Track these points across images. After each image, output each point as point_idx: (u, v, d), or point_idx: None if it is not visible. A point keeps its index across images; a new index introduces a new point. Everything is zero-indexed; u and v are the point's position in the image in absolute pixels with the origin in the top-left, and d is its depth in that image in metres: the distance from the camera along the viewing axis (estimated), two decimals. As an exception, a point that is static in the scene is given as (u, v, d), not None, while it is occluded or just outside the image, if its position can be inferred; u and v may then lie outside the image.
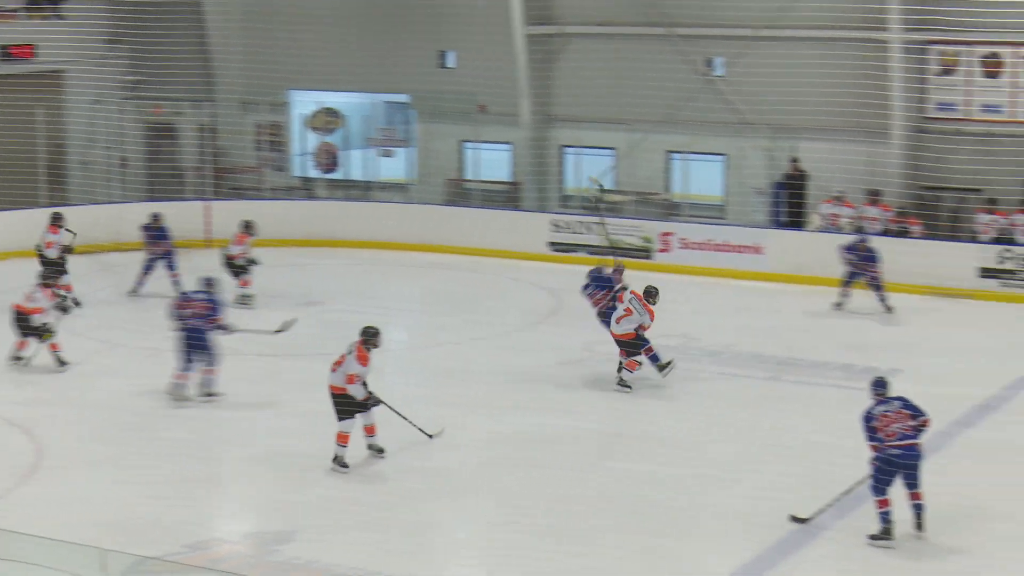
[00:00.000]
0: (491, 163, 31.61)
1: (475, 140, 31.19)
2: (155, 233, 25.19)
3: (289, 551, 13.96)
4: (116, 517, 14.73)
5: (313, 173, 33.36)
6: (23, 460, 16.56)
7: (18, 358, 20.31)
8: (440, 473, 16.12)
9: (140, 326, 23.12)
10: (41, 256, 24.24)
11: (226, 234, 29.35)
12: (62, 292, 23.64)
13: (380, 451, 16.48)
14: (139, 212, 29.08)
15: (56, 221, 24.51)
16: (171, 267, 25.05)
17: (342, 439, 16.13)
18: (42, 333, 20.11)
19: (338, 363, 16.13)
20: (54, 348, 20.27)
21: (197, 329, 18.80)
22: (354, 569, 13.46)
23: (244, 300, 24.50)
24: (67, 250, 24.32)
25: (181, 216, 29.44)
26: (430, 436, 16.91)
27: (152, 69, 31.47)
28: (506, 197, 31.29)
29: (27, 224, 28.48)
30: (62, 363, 20.28)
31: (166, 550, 13.65)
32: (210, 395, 18.87)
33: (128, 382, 19.91)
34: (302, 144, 33.41)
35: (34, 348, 20.24)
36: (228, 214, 29.72)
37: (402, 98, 32.44)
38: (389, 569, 13.47)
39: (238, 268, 24.89)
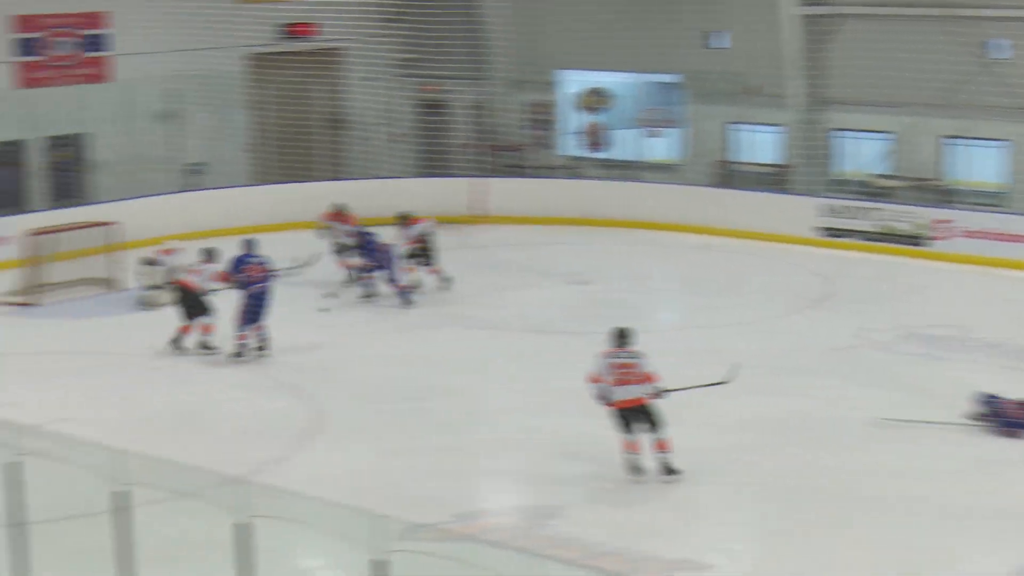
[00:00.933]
0: (759, 145, 31.33)
1: (742, 121, 30.93)
2: (371, 245, 23.85)
3: (556, 526, 14.10)
4: (391, 484, 15.12)
5: (581, 152, 33.51)
6: (305, 425, 17.11)
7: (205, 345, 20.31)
8: (698, 456, 15.96)
9: (415, 298, 23.51)
10: (337, 243, 24.56)
11: (495, 211, 29.87)
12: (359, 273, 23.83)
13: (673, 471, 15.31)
14: (411, 186, 29.88)
15: (340, 211, 24.82)
16: (392, 279, 23.36)
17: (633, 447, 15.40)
18: (206, 311, 20.27)
19: (626, 377, 15.21)
20: (206, 331, 20.27)
21: (263, 291, 19.79)
22: (620, 548, 13.53)
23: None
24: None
25: (450, 192, 30.01)
26: (726, 382, 16.27)
27: (427, 48, 31.98)
28: (773, 180, 30.95)
29: (304, 196, 29.42)
30: (210, 348, 20.21)
31: (437, 518, 13.92)
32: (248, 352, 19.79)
33: (404, 353, 20.35)
34: (571, 123, 33.58)
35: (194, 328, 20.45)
36: (496, 191, 30.17)
37: (672, 78, 32.34)
38: (655, 550, 13.50)
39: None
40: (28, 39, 27.26)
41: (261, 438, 16.68)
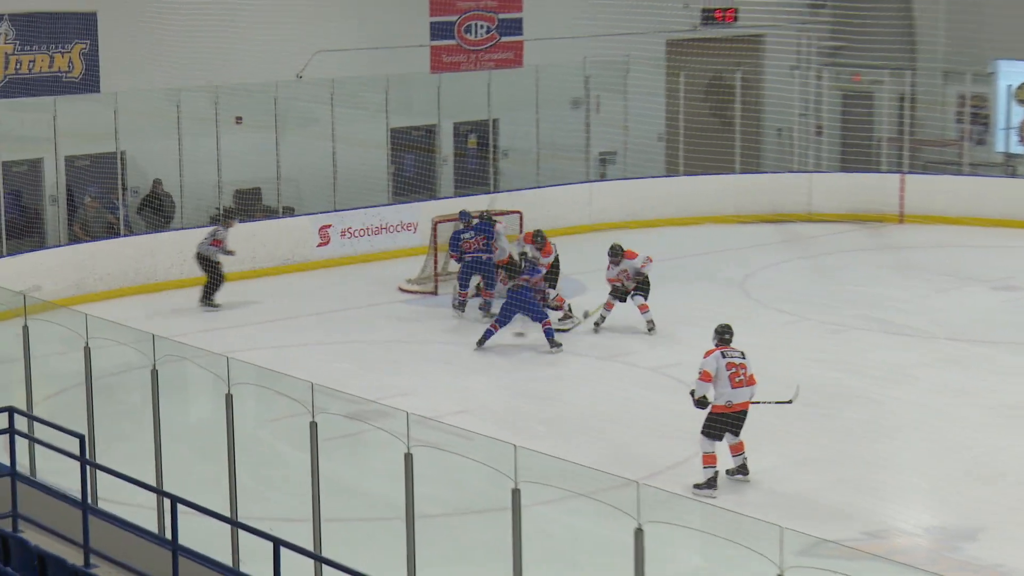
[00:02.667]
0: None
1: None
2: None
3: (972, 550, 13.63)
4: (796, 494, 14.92)
5: (1017, 149, 32.28)
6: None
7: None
8: None
9: (826, 300, 23.16)
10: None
11: (919, 210, 29.10)
12: None
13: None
14: (830, 182, 29.43)
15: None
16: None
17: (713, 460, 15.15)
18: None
19: (748, 377, 15.17)
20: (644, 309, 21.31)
21: (478, 261, 22.41)
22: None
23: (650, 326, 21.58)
24: None
25: (873, 189, 29.40)
26: (789, 401, 15.75)
27: (853, 35, 31.35)
28: None
29: (717, 189, 29.37)
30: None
31: (845, 535, 13.61)
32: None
33: (807, 357, 20.03)
34: (1007, 118, 32.39)
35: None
36: (922, 189, 29.40)
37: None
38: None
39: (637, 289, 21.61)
40: (444, 23, 27.98)
41: (661, 440, 16.67)
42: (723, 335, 15.47)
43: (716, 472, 14.97)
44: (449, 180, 29.61)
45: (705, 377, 15.12)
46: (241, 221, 24.33)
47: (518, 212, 24.85)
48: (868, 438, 16.86)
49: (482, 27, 28.51)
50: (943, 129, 32.83)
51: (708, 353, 15.28)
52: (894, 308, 22.66)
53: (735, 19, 32.31)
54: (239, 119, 26.60)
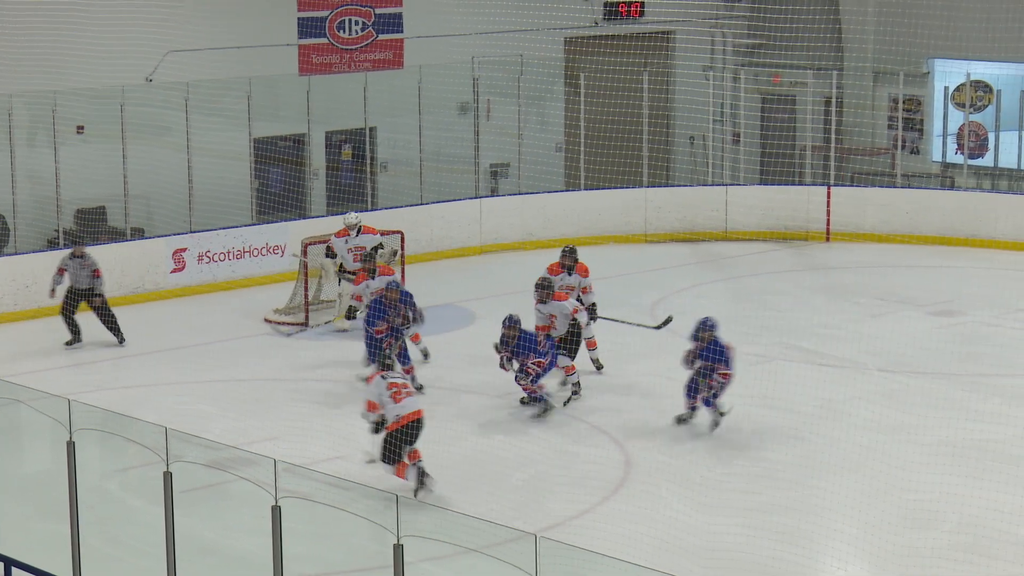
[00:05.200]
0: None
1: None
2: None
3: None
4: (705, 544, 14.99)
5: (955, 158, 32.78)
6: (611, 474, 17.10)
7: None
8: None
9: (746, 328, 23.35)
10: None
11: (847, 226, 29.45)
12: None
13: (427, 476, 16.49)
14: (749, 196, 29.69)
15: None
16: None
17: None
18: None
19: (402, 393, 16.58)
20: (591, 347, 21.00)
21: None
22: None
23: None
24: None
25: (796, 203, 29.69)
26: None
27: (773, 32, 31.70)
28: None
29: (624, 204, 29.51)
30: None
31: (757, 589, 13.77)
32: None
33: (736, 391, 20.18)
34: (944, 123, 32.88)
35: None
36: (849, 203, 29.75)
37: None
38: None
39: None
40: (314, 19, 27.88)
41: (564, 488, 16.73)
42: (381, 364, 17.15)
43: (418, 470, 16.30)
44: (321, 196, 29.56)
45: (370, 407, 16.63)
46: (86, 244, 24.11)
47: (399, 232, 24.85)
48: (792, 481, 17.01)
49: (357, 23, 28.50)
50: (873, 136, 33.28)
51: (370, 379, 17.06)
52: (821, 336, 22.92)
53: (641, 14, 32.61)
54: (80, 128, 26.41)
